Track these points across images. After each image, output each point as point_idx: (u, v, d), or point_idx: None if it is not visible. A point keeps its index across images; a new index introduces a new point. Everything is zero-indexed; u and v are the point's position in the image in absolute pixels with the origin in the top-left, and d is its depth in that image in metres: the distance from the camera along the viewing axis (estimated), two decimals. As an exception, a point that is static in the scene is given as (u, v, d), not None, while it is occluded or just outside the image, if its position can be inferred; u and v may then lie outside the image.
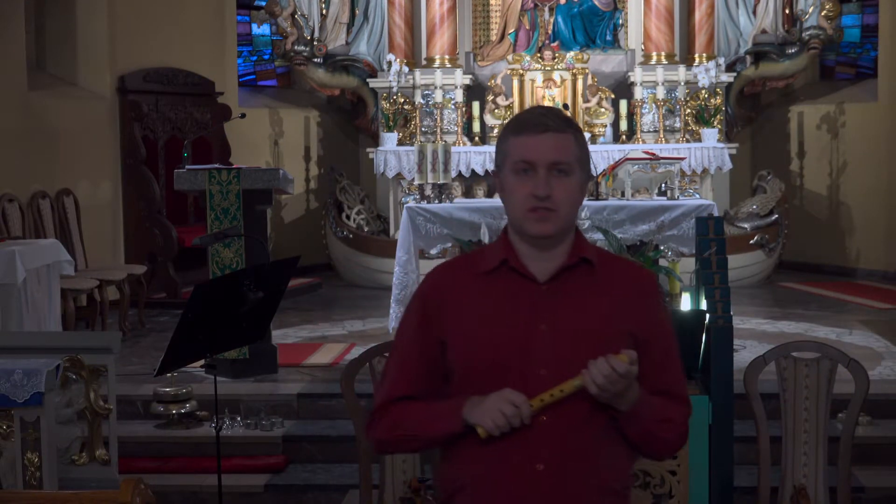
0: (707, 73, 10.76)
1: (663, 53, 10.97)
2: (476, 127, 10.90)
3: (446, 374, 2.47)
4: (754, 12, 11.28)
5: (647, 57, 11.03)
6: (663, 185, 9.21)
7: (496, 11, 11.64)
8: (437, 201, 7.80)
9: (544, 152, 2.39)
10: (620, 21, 11.48)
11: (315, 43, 11.24)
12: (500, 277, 2.45)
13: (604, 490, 2.41)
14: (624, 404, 2.37)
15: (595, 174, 9.06)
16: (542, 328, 2.39)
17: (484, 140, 10.91)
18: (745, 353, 6.88)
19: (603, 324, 2.41)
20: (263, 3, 11.53)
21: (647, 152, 9.05)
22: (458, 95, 10.99)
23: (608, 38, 11.45)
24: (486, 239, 7.32)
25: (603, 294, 2.44)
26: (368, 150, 11.33)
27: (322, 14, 11.40)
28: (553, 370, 2.37)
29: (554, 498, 2.36)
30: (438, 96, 10.96)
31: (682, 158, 9.29)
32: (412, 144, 10.69)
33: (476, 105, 10.95)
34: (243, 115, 8.90)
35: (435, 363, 2.47)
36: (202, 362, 4.89)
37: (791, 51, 11.12)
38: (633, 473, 2.59)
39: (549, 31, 11.37)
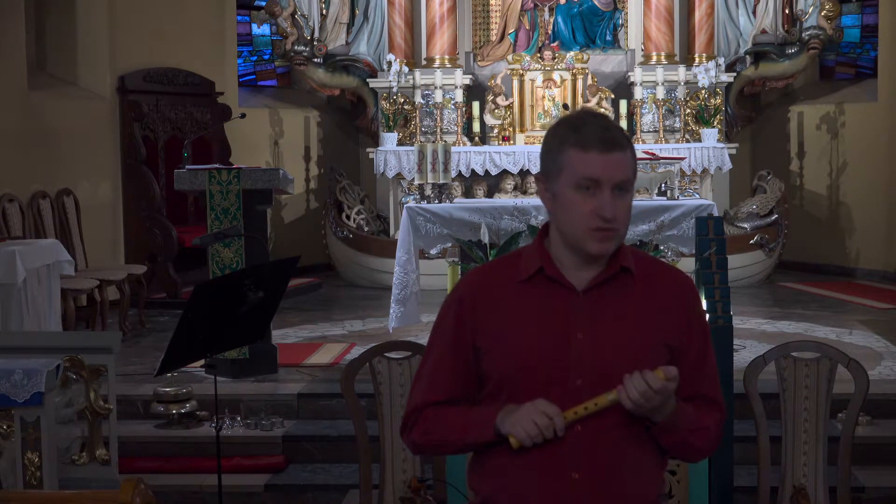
0: (707, 73, 10.77)
1: (663, 53, 10.97)
2: (476, 127, 10.91)
3: (480, 380, 2.46)
4: (754, 12, 11.28)
5: (647, 57, 11.03)
6: (663, 185, 9.21)
7: (496, 11, 11.64)
8: (437, 201, 7.80)
9: (612, 173, 2.33)
10: (620, 21, 11.48)
11: (315, 43, 11.24)
12: (537, 285, 2.42)
13: (638, 498, 2.42)
14: (659, 416, 2.36)
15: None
16: (578, 337, 2.37)
17: (484, 140, 10.91)
18: (745, 353, 6.88)
19: (640, 335, 2.39)
20: (263, 3, 11.54)
21: (647, 152, 9.05)
22: (458, 95, 11.00)
23: (608, 38, 11.46)
24: (485, 239, 7.31)
25: (641, 304, 2.42)
26: (368, 150, 11.34)
27: (322, 14, 11.40)
28: (589, 380, 2.35)
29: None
30: (438, 96, 10.96)
31: (682, 158, 9.31)
32: (412, 144, 10.69)
33: (476, 105, 10.96)
34: (243, 115, 8.90)
35: (469, 368, 2.46)
36: (202, 362, 4.89)
37: (791, 51, 11.13)
38: (664, 480, 2.57)
39: (549, 31, 11.38)
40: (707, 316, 2.63)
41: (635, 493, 2.41)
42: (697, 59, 10.97)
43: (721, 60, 11.01)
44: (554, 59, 10.80)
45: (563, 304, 2.39)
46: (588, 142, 2.33)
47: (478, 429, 2.39)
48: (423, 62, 11.17)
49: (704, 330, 2.51)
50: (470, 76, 11.17)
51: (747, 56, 11.28)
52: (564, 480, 2.34)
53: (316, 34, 11.30)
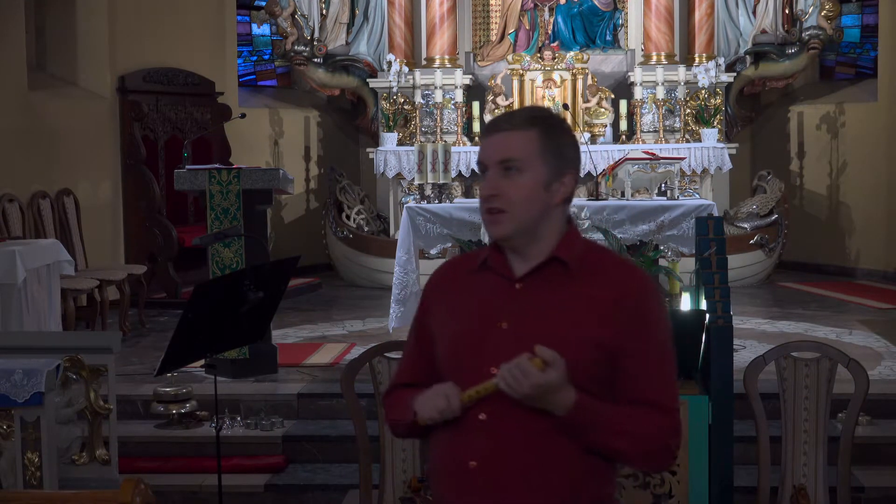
0: (707, 73, 10.77)
1: (663, 53, 10.97)
2: (476, 127, 10.91)
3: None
4: (754, 12, 11.28)
5: (647, 57, 11.03)
6: (663, 185, 9.21)
7: (496, 11, 11.64)
8: (437, 201, 7.80)
9: (491, 153, 2.38)
10: (620, 21, 11.48)
11: (315, 43, 11.25)
12: (482, 275, 2.45)
13: (545, 494, 2.32)
14: (554, 408, 2.28)
15: (595, 174, 9.07)
16: (503, 327, 2.36)
17: (484, 140, 10.90)
18: (745, 353, 6.88)
19: (567, 328, 2.32)
20: (263, 3, 11.54)
21: (647, 152, 9.05)
22: (458, 95, 11.00)
23: (608, 38, 11.46)
24: (485, 239, 7.32)
25: (577, 298, 2.35)
26: (368, 150, 11.34)
27: (322, 14, 11.41)
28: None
29: (485, 494, 2.33)
30: (438, 96, 10.96)
31: (681, 158, 9.30)
32: (412, 144, 10.70)
33: (476, 105, 10.96)
34: (243, 115, 8.90)
35: (430, 353, 2.51)
36: (202, 362, 4.89)
37: (791, 51, 11.13)
38: (607, 482, 2.43)
39: (549, 31, 11.38)
40: (665, 317, 2.43)
41: (541, 488, 2.32)
42: (697, 59, 10.97)
43: (721, 60, 11.01)
44: (554, 59, 10.80)
45: (498, 294, 2.40)
46: (483, 130, 2.46)
47: (407, 409, 2.44)
48: (423, 62, 11.17)
49: (651, 331, 2.37)
50: (470, 76, 11.17)
51: (747, 56, 11.28)
52: (463, 467, 2.34)
53: (316, 34, 11.30)
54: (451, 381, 2.37)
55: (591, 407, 2.31)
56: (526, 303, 2.37)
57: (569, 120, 10.77)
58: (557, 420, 2.30)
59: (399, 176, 10.84)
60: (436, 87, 10.96)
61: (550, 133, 2.39)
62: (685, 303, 5.72)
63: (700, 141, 10.84)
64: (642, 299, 2.38)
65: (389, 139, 10.94)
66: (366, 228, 11.04)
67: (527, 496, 2.32)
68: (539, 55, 10.88)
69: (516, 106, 10.76)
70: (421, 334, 2.54)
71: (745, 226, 10.73)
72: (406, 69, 11.04)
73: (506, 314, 2.37)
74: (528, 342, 2.28)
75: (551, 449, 2.33)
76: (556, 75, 10.79)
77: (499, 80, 11.01)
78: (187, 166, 7.08)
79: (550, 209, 2.38)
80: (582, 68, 10.79)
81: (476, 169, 10.65)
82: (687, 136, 10.92)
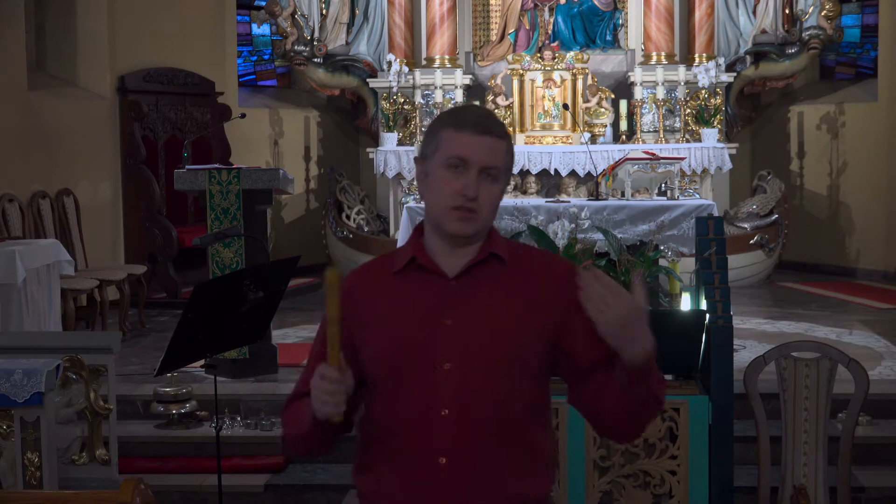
0: (707, 73, 10.77)
1: (663, 53, 10.97)
2: (476, 127, 10.89)
3: (360, 377, 2.43)
4: (754, 12, 11.28)
5: (647, 57, 11.03)
6: (663, 185, 9.22)
7: (496, 11, 11.64)
8: (437, 201, 7.79)
9: (481, 154, 2.38)
10: (620, 21, 11.48)
11: (315, 43, 11.25)
12: (410, 275, 2.44)
13: (514, 490, 2.36)
14: (639, 342, 2.23)
15: (595, 174, 9.07)
16: (447, 323, 2.37)
17: (484, 140, 10.90)
18: (745, 353, 6.87)
19: (513, 321, 2.38)
20: (263, 3, 11.54)
21: (647, 152, 9.05)
22: (458, 95, 11.00)
23: (608, 38, 11.46)
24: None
25: (513, 290, 2.41)
26: (368, 150, 11.34)
27: (322, 14, 11.41)
28: (458, 363, 2.35)
29: (457, 490, 2.33)
30: (438, 96, 10.96)
31: (681, 158, 9.30)
32: (412, 144, 10.70)
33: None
34: (243, 115, 8.90)
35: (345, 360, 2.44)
36: (202, 362, 4.89)
37: (791, 51, 11.13)
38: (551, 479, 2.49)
39: (549, 31, 11.38)
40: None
41: (510, 484, 2.36)
42: (697, 59, 10.97)
43: (721, 60, 11.01)
44: (554, 59, 10.80)
45: (434, 292, 2.41)
46: (463, 123, 2.40)
47: (304, 417, 2.39)
48: (423, 62, 11.18)
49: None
50: (470, 76, 11.18)
51: (747, 56, 11.28)
52: (432, 464, 2.34)
53: (316, 34, 11.30)
54: (403, 389, 2.34)
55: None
56: (465, 298, 2.40)
57: (569, 120, 10.78)
58: (633, 371, 2.26)
59: (399, 176, 10.84)
60: (436, 87, 10.96)
61: (511, 146, 2.49)
62: (685, 303, 5.72)
63: (700, 141, 10.84)
64: (571, 280, 2.38)
65: (389, 139, 10.94)
66: (366, 228, 11.04)
67: (500, 491, 2.34)
68: (539, 55, 10.88)
69: (516, 106, 10.77)
70: None
71: (745, 226, 10.73)
72: (406, 69, 11.04)
73: (448, 311, 2.39)
74: (477, 336, 2.35)
75: (520, 444, 2.38)
76: (556, 75, 10.79)
77: (499, 80, 11.01)
78: (187, 166, 7.08)
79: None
80: (582, 68, 10.79)
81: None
82: (687, 136, 10.92)
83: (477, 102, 10.94)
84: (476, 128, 2.40)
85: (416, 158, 2.51)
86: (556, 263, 2.51)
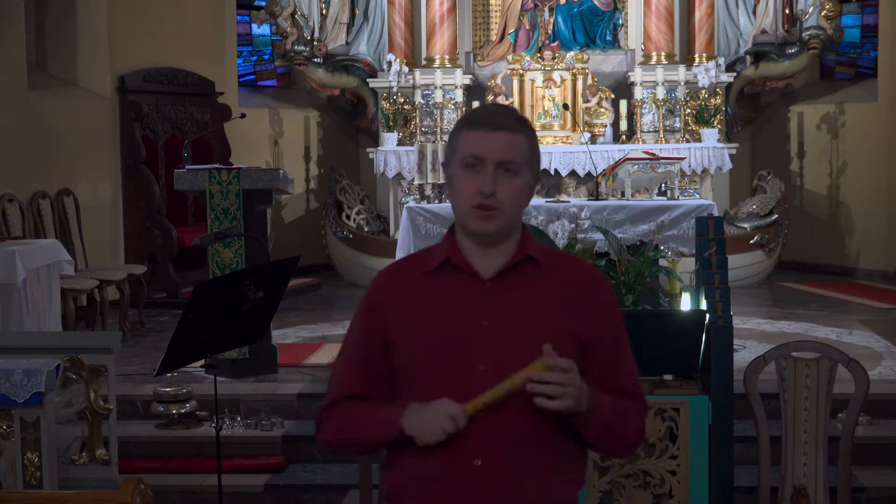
0: (707, 73, 10.77)
1: (663, 53, 10.97)
2: (476, 127, 10.88)
3: (391, 375, 2.45)
4: (754, 12, 11.28)
5: (647, 57, 11.03)
6: (663, 185, 9.22)
7: (496, 11, 11.64)
8: (437, 201, 7.80)
9: (494, 150, 2.38)
10: (620, 21, 11.48)
11: (315, 43, 11.25)
12: (445, 276, 2.44)
13: (547, 489, 2.38)
14: (582, 404, 2.33)
15: (595, 174, 9.07)
16: (484, 324, 2.38)
17: (484, 140, 10.89)
18: (745, 353, 6.88)
19: (547, 321, 2.39)
20: (263, 3, 11.54)
21: (647, 152, 9.06)
22: (458, 95, 11.00)
23: (608, 38, 11.46)
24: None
25: (548, 293, 2.42)
26: (368, 150, 11.33)
27: (322, 14, 11.41)
28: (493, 365, 2.35)
29: (492, 492, 2.33)
30: (438, 96, 10.96)
31: (681, 158, 9.31)
32: (412, 144, 10.70)
33: (476, 105, 10.95)
34: (243, 115, 8.90)
35: (380, 364, 2.46)
36: (202, 362, 4.89)
37: (791, 51, 11.13)
38: (582, 479, 2.53)
39: (549, 31, 11.38)
40: (618, 305, 2.56)
41: (542, 483, 2.37)
42: (697, 59, 10.97)
43: (721, 60, 11.01)
44: (554, 59, 10.80)
45: (470, 293, 2.41)
46: (475, 122, 2.42)
47: (383, 428, 2.40)
48: (423, 62, 11.17)
49: (614, 319, 2.49)
50: (470, 76, 11.18)
51: (747, 56, 11.28)
52: (468, 467, 2.34)
53: (316, 34, 11.30)
54: (436, 390, 2.34)
55: (599, 396, 2.38)
56: (501, 300, 2.41)
57: (569, 120, 10.78)
58: (577, 418, 2.35)
59: (399, 176, 10.83)
60: (436, 87, 10.96)
61: (534, 140, 2.47)
62: (685, 303, 5.72)
63: (700, 141, 10.84)
64: (601, 289, 2.49)
65: (389, 139, 10.94)
66: (366, 228, 11.04)
67: (534, 491, 2.35)
68: (539, 55, 10.88)
69: (516, 106, 10.76)
70: (371, 342, 2.47)
71: (745, 226, 10.73)
72: (406, 69, 11.04)
73: (485, 312, 2.39)
74: (513, 338, 2.36)
75: (553, 444, 2.39)
76: (556, 75, 10.80)
77: (499, 80, 11.01)
78: (187, 166, 7.08)
79: (523, 211, 2.48)
80: (582, 68, 10.80)
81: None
82: (687, 136, 10.92)
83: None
84: (488, 125, 2.40)
85: (441, 164, 2.54)
86: (587, 272, 2.53)
